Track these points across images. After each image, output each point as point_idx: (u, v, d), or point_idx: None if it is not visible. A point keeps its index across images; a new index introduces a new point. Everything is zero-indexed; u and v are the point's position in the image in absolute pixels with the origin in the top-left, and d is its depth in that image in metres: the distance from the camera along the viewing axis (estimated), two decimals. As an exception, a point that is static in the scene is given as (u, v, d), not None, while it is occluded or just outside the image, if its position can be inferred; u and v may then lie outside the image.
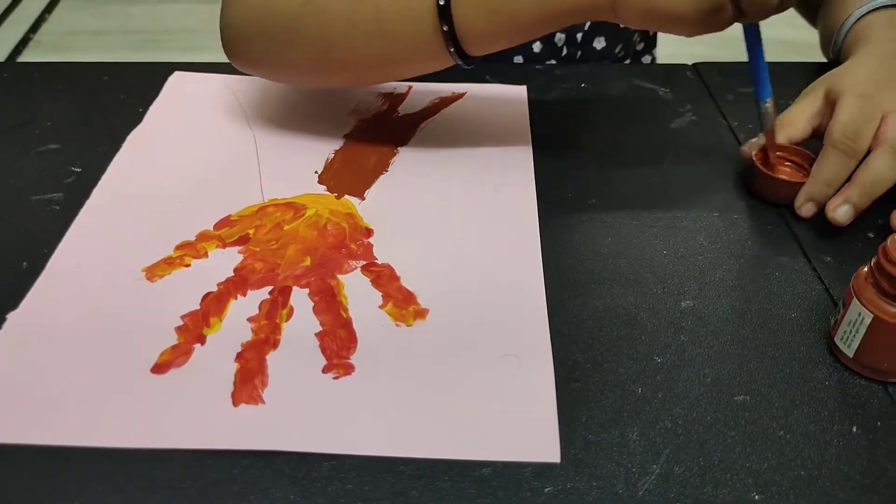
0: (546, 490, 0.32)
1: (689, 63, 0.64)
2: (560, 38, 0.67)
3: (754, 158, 0.48)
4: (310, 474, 0.32)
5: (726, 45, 0.72)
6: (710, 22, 0.42)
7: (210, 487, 0.32)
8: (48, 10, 2.06)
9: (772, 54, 0.48)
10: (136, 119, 0.55)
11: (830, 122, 0.46)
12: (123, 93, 0.58)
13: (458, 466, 0.33)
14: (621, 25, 0.55)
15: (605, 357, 0.38)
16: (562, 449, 0.34)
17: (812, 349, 0.39)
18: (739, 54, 0.49)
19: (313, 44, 0.46)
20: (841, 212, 0.44)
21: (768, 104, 0.47)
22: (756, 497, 0.32)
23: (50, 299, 0.40)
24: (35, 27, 1.99)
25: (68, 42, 1.94)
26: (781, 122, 0.49)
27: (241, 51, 0.50)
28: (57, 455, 0.33)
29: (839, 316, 0.38)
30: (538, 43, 0.67)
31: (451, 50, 0.45)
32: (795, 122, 0.49)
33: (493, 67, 0.61)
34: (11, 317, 0.39)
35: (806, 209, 0.46)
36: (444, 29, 0.44)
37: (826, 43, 0.61)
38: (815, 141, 0.48)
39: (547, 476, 0.33)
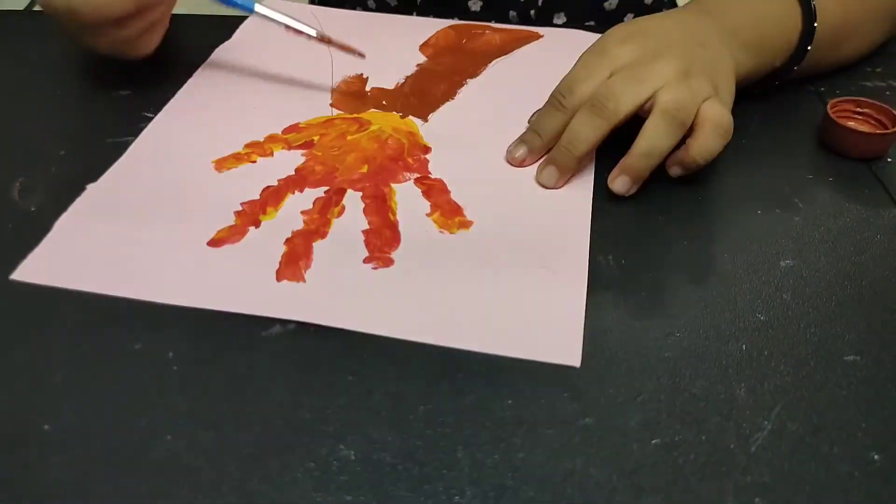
0: (653, 442, 0.31)
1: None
2: (513, 15, 0.65)
3: (829, 111, 0.48)
4: (406, 416, 0.31)
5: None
6: None
7: (304, 426, 0.31)
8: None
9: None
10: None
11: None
12: (192, 41, 0.57)
13: (560, 415, 0.32)
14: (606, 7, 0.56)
15: (704, 312, 0.36)
16: (666, 402, 0.32)
17: (922, 313, 0.37)
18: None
19: None
20: (545, 174, 0.43)
21: (258, 8, 0.50)
22: (875, 457, 0.30)
23: (126, 178, 0.43)
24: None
25: None
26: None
27: None
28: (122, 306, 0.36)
29: (955, 278, 0.36)
30: (494, 23, 0.64)
31: None
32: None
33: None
34: (90, 188, 0.42)
35: (518, 152, 0.45)
36: None
37: None
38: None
39: (654, 428, 0.31)
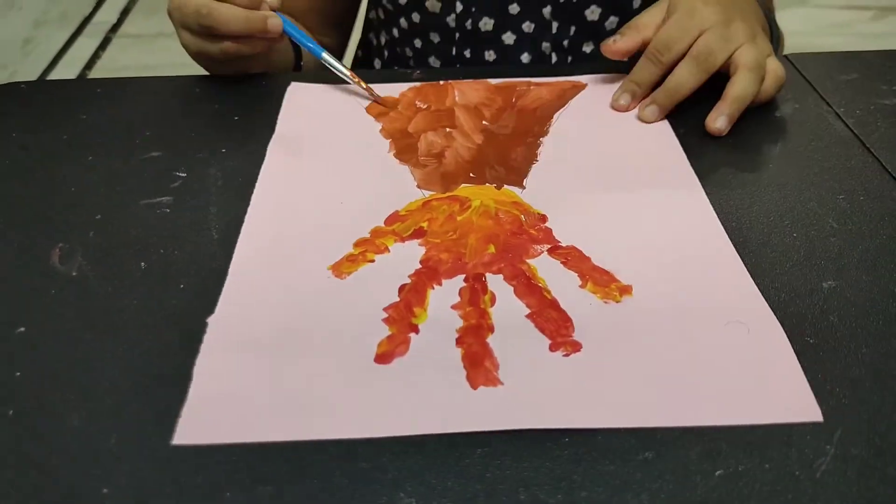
0: (717, 473, 0.30)
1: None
2: (546, 46, 0.68)
3: None
4: (463, 460, 0.31)
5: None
6: None
7: (362, 475, 0.31)
8: (101, 47, 2.12)
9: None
10: (233, 127, 0.55)
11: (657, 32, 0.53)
12: (216, 103, 0.58)
13: (619, 451, 0.31)
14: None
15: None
16: (724, 431, 0.32)
17: (972, 327, 0.36)
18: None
19: None
20: (648, 111, 0.53)
21: (325, 55, 0.58)
22: (945, 477, 0.30)
23: (243, 303, 0.39)
24: (90, 65, 2.04)
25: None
26: (636, 25, 0.55)
27: None
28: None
29: None
30: (526, 54, 0.68)
31: None
32: (646, 26, 0.55)
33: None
34: (211, 321, 0.38)
35: (623, 99, 0.54)
36: None
37: None
38: None
39: (715, 459, 0.31)
